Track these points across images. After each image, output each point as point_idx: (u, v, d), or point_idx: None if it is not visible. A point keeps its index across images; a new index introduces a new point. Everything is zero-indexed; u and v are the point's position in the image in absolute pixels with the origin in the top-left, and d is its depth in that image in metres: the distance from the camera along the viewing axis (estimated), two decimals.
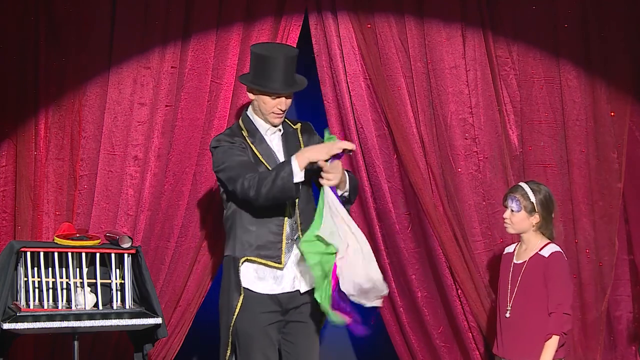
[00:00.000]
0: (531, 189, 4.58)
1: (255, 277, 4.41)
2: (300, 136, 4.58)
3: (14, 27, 5.16)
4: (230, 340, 4.42)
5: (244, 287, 4.38)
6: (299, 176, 4.19)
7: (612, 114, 5.44)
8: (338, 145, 4.21)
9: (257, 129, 4.48)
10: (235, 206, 4.42)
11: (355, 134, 5.35)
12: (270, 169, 4.35)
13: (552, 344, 4.44)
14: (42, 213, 5.17)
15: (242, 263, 4.38)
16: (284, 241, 4.42)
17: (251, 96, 4.46)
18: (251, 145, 4.43)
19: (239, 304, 4.37)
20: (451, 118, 5.34)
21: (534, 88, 5.42)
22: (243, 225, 4.41)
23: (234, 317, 4.38)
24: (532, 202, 4.55)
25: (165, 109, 5.23)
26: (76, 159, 5.20)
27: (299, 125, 4.63)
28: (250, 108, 4.55)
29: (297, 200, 4.42)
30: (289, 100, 4.46)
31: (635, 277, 5.54)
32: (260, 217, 4.39)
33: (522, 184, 4.65)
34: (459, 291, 5.37)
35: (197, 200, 5.26)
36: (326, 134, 4.36)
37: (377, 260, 5.43)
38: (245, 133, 4.46)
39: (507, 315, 4.57)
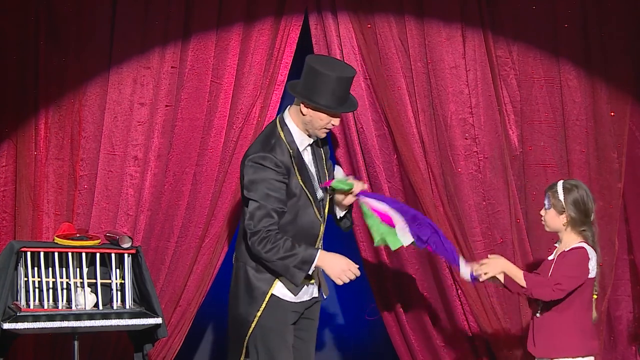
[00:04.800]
0: (564, 187, 4.47)
1: (284, 288, 4.39)
2: (321, 147, 4.56)
3: (14, 27, 5.15)
4: (244, 348, 4.37)
5: (272, 294, 4.35)
6: (310, 270, 4.26)
7: (612, 114, 5.45)
8: (351, 273, 4.30)
9: (298, 147, 4.38)
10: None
11: (355, 134, 5.35)
12: (310, 197, 4.35)
13: (519, 275, 4.39)
14: (42, 213, 5.17)
15: (277, 282, 4.36)
16: None
17: (304, 111, 4.33)
18: (296, 172, 4.34)
19: (261, 310, 4.33)
20: (451, 118, 5.34)
21: (534, 88, 5.42)
22: None
23: (254, 322, 4.33)
24: (561, 201, 4.48)
25: (165, 109, 5.23)
26: (76, 159, 5.20)
27: None
28: (289, 116, 4.40)
29: (325, 214, 4.46)
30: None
31: (635, 277, 5.54)
32: (298, 234, 4.36)
33: (558, 182, 4.53)
34: (459, 291, 5.37)
35: (197, 200, 5.26)
36: (335, 180, 4.45)
37: (377, 261, 5.49)
38: (290, 151, 4.33)
39: (538, 314, 4.53)
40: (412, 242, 4.44)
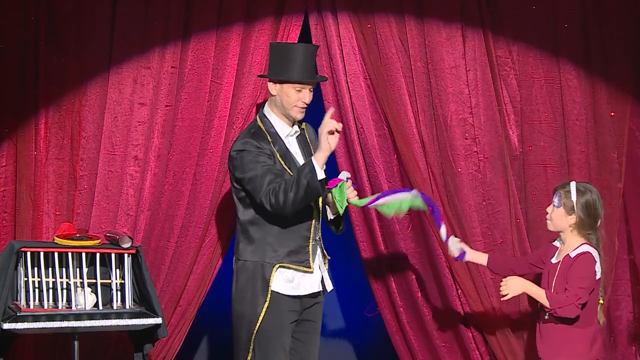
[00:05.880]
0: (577, 189, 4.44)
1: (284, 280, 4.38)
2: (307, 138, 4.59)
3: (14, 27, 5.16)
4: (252, 346, 4.37)
5: (272, 291, 4.35)
6: (321, 174, 4.20)
7: (612, 114, 5.45)
8: (329, 127, 4.23)
9: (277, 133, 4.44)
10: (260, 210, 4.37)
11: (355, 134, 5.35)
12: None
13: (541, 295, 4.37)
14: (42, 213, 5.17)
15: (276, 270, 4.36)
16: (311, 243, 4.43)
17: (273, 92, 4.42)
18: (278, 157, 4.38)
19: (265, 307, 4.34)
20: (451, 118, 5.34)
21: (534, 88, 5.42)
22: (271, 230, 4.36)
23: (259, 320, 4.34)
24: (572, 201, 4.45)
25: (165, 109, 5.23)
26: (76, 159, 5.20)
27: (304, 125, 4.64)
28: (267, 107, 4.48)
29: (320, 203, 4.44)
30: (311, 94, 4.45)
31: (635, 277, 5.53)
32: (289, 221, 4.35)
33: (572, 182, 4.50)
34: (459, 291, 5.37)
35: (197, 200, 5.26)
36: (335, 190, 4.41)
37: (377, 260, 5.49)
38: (269, 138, 4.40)
39: (546, 317, 4.47)
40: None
